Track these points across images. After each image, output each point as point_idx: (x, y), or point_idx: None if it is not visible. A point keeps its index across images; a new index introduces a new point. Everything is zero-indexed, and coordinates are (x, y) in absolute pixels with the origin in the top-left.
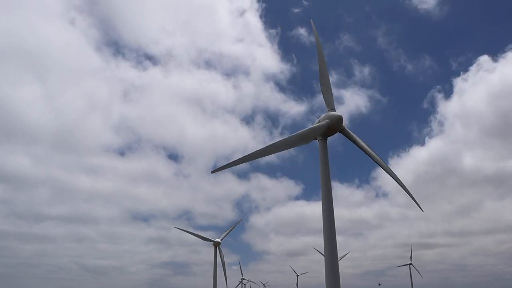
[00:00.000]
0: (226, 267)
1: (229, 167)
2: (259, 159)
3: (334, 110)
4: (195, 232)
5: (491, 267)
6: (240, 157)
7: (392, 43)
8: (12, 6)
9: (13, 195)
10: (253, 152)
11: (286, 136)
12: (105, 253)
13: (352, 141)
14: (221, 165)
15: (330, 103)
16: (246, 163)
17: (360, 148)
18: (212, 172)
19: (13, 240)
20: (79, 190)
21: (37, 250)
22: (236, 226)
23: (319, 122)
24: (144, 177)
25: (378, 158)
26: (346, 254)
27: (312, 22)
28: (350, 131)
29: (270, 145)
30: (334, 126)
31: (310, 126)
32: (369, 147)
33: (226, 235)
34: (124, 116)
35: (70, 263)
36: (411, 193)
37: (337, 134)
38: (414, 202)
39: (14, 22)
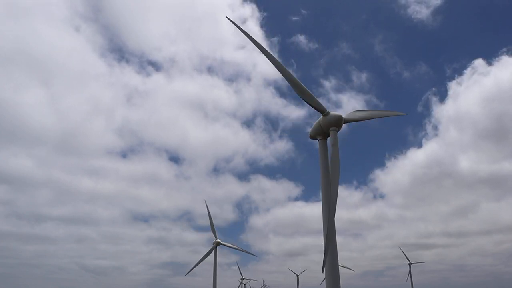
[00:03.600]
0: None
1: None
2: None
3: (329, 112)
4: (238, 247)
5: (490, 267)
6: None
7: (388, 51)
8: (18, 13)
9: (14, 196)
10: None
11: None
12: (106, 254)
13: (358, 120)
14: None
15: (320, 108)
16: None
17: (365, 119)
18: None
19: (13, 241)
20: (81, 191)
21: (38, 250)
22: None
23: (320, 124)
24: (146, 179)
25: (381, 112)
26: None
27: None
28: (349, 117)
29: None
30: (339, 128)
31: (310, 128)
32: (371, 110)
33: (193, 268)
34: (127, 119)
35: (70, 263)
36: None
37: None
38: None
39: (20, 29)
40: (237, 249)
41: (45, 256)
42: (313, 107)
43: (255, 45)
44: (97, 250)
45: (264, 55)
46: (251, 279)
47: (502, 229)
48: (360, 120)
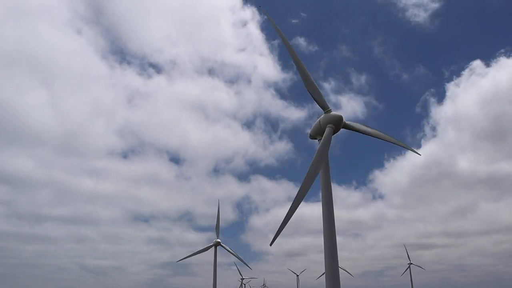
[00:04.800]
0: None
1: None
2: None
3: (330, 110)
4: (236, 254)
5: (490, 267)
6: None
7: (387, 53)
8: (21, 15)
9: (15, 196)
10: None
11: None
12: (106, 254)
13: (359, 131)
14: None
15: (323, 105)
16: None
17: (369, 134)
18: (270, 245)
19: (14, 241)
20: (82, 192)
21: (38, 250)
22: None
23: (320, 123)
24: (146, 180)
25: (388, 136)
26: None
27: (272, 21)
28: (352, 123)
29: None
30: (337, 128)
31: (309, 129)
32: (377, 130)
33: (186, 257)
34: (128, 121)
35: (70, 263)
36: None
37: (335, 137)
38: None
39: (22, 30)
40: (235, 256)
41: (45, 256)
42: (317, 102)
43: (276, 30)
44: (97, 250)
45: (283, 42)
46: (251, 278)
47: (501, 229)
48: (362, 133)
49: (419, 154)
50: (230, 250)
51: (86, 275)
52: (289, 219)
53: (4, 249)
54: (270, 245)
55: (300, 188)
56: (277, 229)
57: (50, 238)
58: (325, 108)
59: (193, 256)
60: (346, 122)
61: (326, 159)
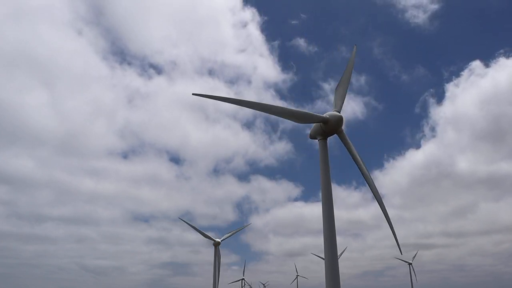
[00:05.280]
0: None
1: (213, 98)
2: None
3: (339, 112)
4: (197, 228)
5: (490, 267)
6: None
7: (386, 54)
8: (21, 16)
9: (15, 196)
10: (248, 101)
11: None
12: (106, 254)
13: (346, 147)
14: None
15: (337, 105)
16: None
17: (351, 156)
18: (193, 94)
19: (14, 241)
20: (82, 192)
21: (38, 250)
22: (236, 227)
23: (320, 127)
24: (146, 180)
25: (366, 171)
26: (344, 250)
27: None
28: (346, 136)
29: (267, 104)
30: (333, 124)
31: (308, 129)
32: (360, 157)
33: (227, 237)
34: (129, 121)
35: (70, 263)
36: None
37: (335, 137)
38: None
39: (23, 31)
40: (235, 232)
41: (45, 256)
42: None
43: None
44: (97, 250)
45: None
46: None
47: (501, 229)
48: (349, 152)
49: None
50: (230, 234)
51: (86, 275)
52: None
53: (4, 249)
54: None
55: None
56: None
57: (50, 238)
58: (337, 108)
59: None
60: (343, 132)
61: (297, 119)
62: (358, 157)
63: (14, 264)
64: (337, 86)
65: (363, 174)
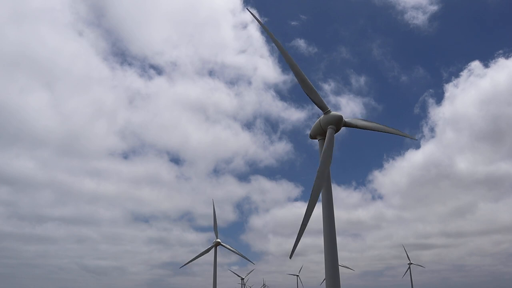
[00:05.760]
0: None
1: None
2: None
3: (330, 111)
4: (237, 252)
5: (489, 267)
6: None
7: (386, 55)
8: (23, 18)
9: (16, 197)
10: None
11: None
12: (106, 254)
13: (358, 127)
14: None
15: (322, 105)
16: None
17: (368, 129)
18: (290, 257)
19: (15, 241)
20: (83, 192)
21: (39, 250)
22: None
23: (320, 124)
24: (147, 180)
25: (387, 128)
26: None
27: (259, 22)
28: (351, 120)
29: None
30: (338, 128)
31: (308, 130)
32: (375, 123)
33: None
34: (129, 122)
35: (71, 263)
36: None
37: (335, 137)
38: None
39: (24, 33)
40: (236, 253)
41: (46, 257)
42: (316, 103)
43: (272, 39)
44: (97, 250)
45: (278, 49)
46: (251, 270)
47: (500, 229)
48: (362, 128)
49: (415, 139)
50: (231, 249)
51: (86, 275)
52: (305, 227)
53: (5, 249)
54: (290, 257)
55: (312, 194)
56: (295, 240)
57: (51, 239)
58: (324, 109)
59: (192, 256)
60: (346, 120)
61: (331, 160)
62: (377, 124)
63: (15, 264)
64: (303, 87)
65: (387, 131)
